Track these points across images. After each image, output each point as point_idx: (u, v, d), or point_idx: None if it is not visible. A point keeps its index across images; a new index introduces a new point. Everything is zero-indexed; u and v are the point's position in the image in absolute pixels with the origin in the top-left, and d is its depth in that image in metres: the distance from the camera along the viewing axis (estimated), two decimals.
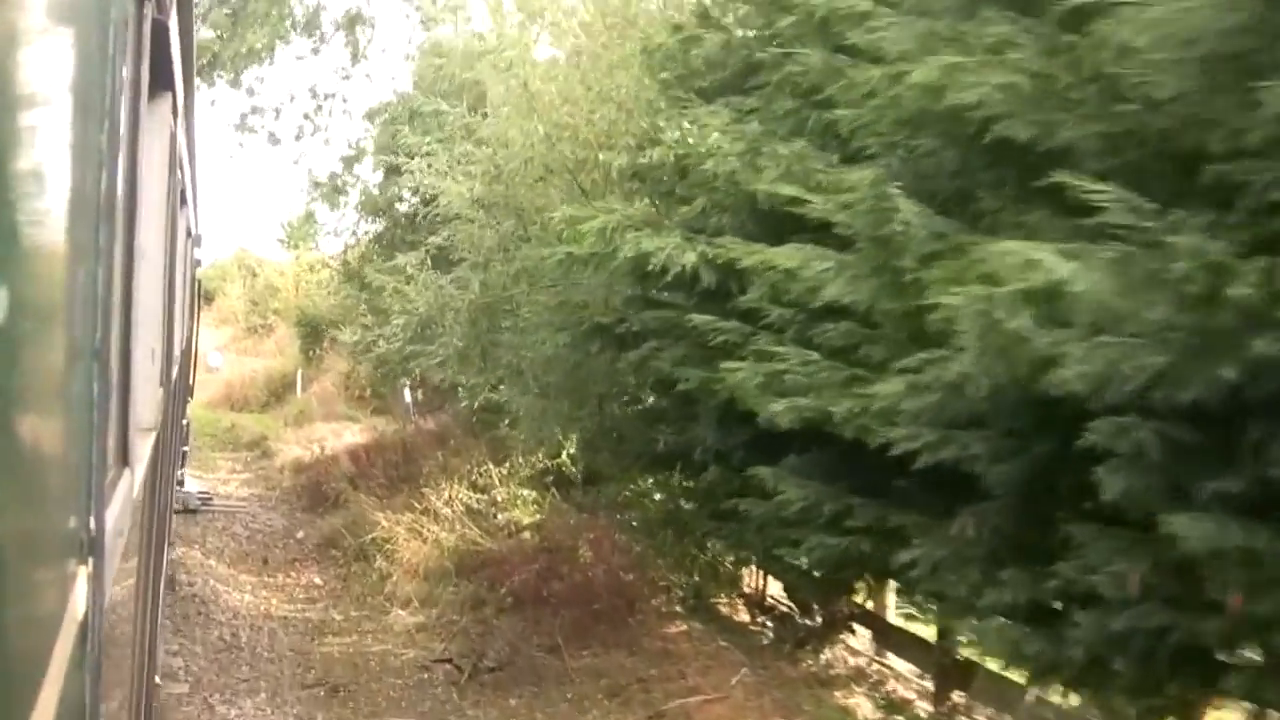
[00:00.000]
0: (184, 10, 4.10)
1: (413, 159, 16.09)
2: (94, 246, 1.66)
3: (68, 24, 1.51)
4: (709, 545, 11.91)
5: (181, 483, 15.26)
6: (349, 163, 22.19)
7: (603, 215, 9.14)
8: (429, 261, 16.48)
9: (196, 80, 5.72)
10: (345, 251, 21.80)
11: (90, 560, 1.66)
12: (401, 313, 16.60)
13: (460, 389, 15.92)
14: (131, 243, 2.43)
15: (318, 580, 14.90)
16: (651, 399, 11.56)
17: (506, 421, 15.02)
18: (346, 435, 22.08)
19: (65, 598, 1.50)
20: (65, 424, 1.55)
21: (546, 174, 11.93)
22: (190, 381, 15.81)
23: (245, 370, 34.02)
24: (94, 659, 1.65)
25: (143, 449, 3.11)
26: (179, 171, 4.79)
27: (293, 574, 15.24)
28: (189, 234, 8.45)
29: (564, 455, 14.76)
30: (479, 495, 15.10)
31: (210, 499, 18.52)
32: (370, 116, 22.74)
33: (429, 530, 14.19)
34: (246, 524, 17.78)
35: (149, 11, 2.53)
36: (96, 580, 1.68)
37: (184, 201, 6.06)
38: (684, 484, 11.82)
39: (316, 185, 23.41)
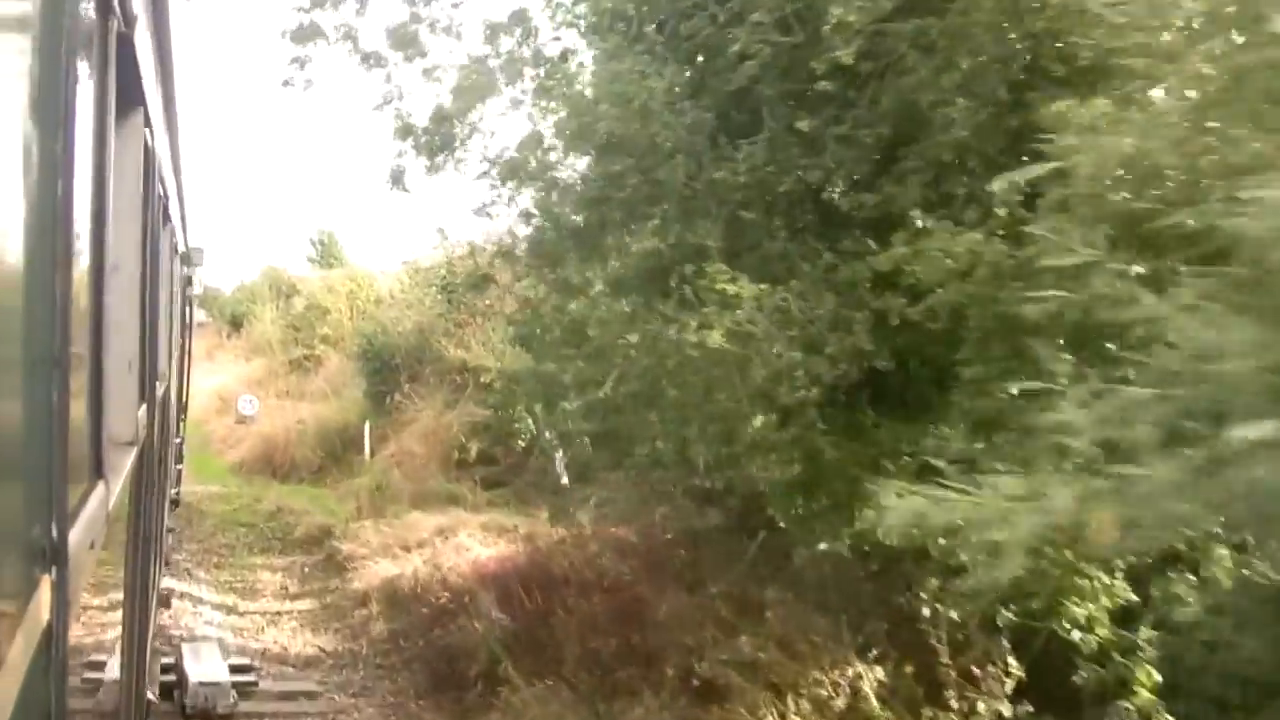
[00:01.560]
0: (159, 25, 4.12)
1: None
2: (51, 255, 1.67)
3: (25, 37, 1.52)
4: None
5: (176, 502, 15.19)
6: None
7: None
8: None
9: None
10: (471, 253, 15.97)
11: (53, 569, 1.67)
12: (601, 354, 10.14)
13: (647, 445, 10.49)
14: (101, 254, 2.44)
15: None
16: None
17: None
18: (463, 535, 14.81)
19: (25, 605, 1.51)
20: (24, 432, 1.56)
21: None
22: (183, 399, 15.79)
23: (289, 421, 25.36)
24: (59, 664, 1.66)
25: (120, 462, 3.12)
26: (158, 185, 4.80)
27: None
28: (175, 250, 8.45)
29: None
30: None
31: (253, 679, 10.96)
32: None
33: None
34: None
35: (114, 26, 2.54)
36: (60, 589, 1.69)
37: (167, 215, 6.06)
38: None
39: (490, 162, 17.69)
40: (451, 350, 21.99)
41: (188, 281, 14.65)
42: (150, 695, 6.86)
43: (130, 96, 3.16)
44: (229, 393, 30.40)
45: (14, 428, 1.50)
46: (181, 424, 15.38)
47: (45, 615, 1.61)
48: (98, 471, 2.48)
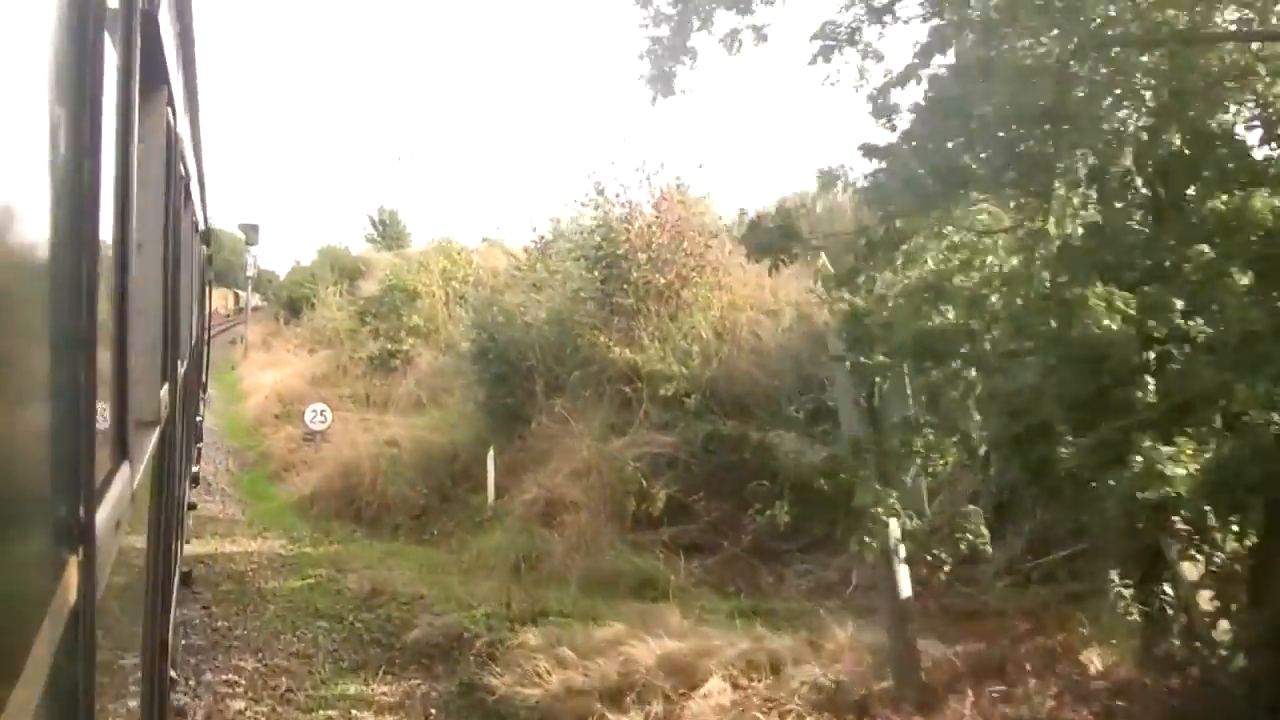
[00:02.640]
0: (182, 5, 4.11)
1: None
2: (78, 235, 1.66)
3: (51, 15, 1.51)
4: None
5: (196, 479, 15.30)
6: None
7: None
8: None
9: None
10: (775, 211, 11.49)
11: (80, 549, 1.67)
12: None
13: None
14: (125, 233, 2.43)
15: None
16: None
17: None
18: (714, 683, 8.60)
19: (54, 585, 1.51)
20: (52, 413, 1.56)
21: None
22: (203, 379, 15.94)
23: (375, 441, 19.03)
24: (86, 645, 1.66)
25: (143, 442, 3.12)
26: (180, 165, 4.80)
27: None
28: (196, 229, 8.46)
29: None
30: None
31: None
32: None
33: None
34: None
35: (139, 4, 2.53)
36: (88, 569, 1.69)
37: (188, 196, 6.07)
38: None
39: None
40: (615, 349, 15.65)
41: (207, 261, 14.72)
42: (172, 674, 6.91)
43: (154, 76, 3.15)
44: (289, 391, 25.81)
45: (42, 408, 1.49)
46: (202, 402, 15.49)
47: (72, 596, 1.61)
48: (122, 451, 2.49)
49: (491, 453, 15.43)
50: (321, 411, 20.59)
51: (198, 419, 13.66)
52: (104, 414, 2.09)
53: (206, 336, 16.69)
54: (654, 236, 16.80)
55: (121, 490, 2.32)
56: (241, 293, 72.68)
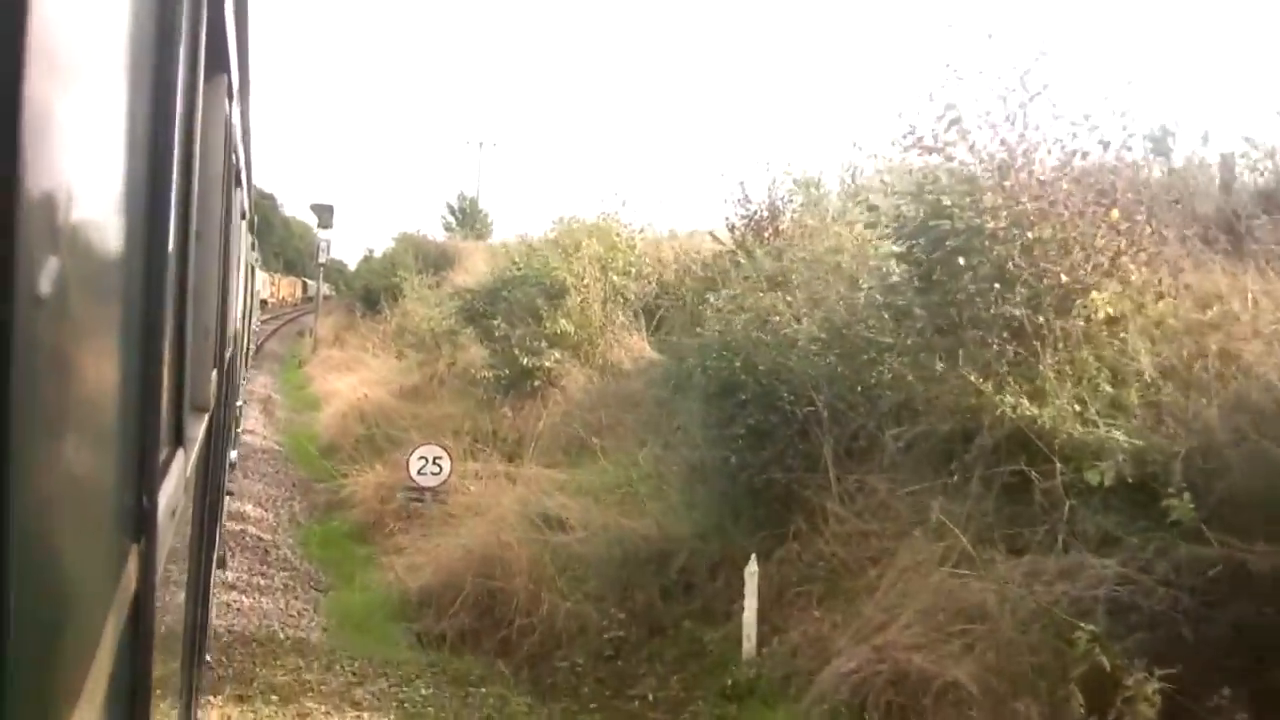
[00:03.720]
0: None
1: None
2: (149, 225, 1.66)
3: (124, 1, 1.50)
4: None
5: (233, 464, 15.44)
6: None
7: None
8: None
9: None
10: None
11: (142, 539, 1.67)
12: None
13: None
14: (187, 223, 2.44)
15: None
16: None
17: None
18: None
19: (117, 575, 1.50)
20: (120, 402, 1.55)
21: None
22: (246, 363, 16.09)
23: (525, 515, 12.14)
24: (145, 635, 1.66)
25: (196, 429, 3.14)
26: (234, 154, 4.83)
27: None
28: (243, 215, 8.53)
29: None
30: None
31: None
32: None
33: None
34: None
35: None
36: (148, 558, 1.69)
37: (238, 183, 6.11)
38: None
39: None
40: (987, 396, 8.52)
41: (252, 246, 14.90)
42: (208, 657, 6.97)
43: (217, 64, 3.16)
44: (373, 406, 19.83)
45: (108, 397, 1.49)
46: (242, 387, 15.65)
47: (134, 585, 1.60)
48: (177, 439, 2.49)
49: (754, 567, 9.14)
50: (435, 460, 13.50)
51: (239, 403, 13.80)
52: (164, 401, 2.09)
53: (250, 320, 16.78)
54: (1061, 201, 9.09)
55: (178, 478, 2.33)
56: (310, 281, 70.64)
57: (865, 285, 10.96)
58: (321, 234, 39.16)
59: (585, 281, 18.06)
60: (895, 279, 10.21)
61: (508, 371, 17.69)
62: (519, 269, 19.70)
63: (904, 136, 9.93)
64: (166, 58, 1.76)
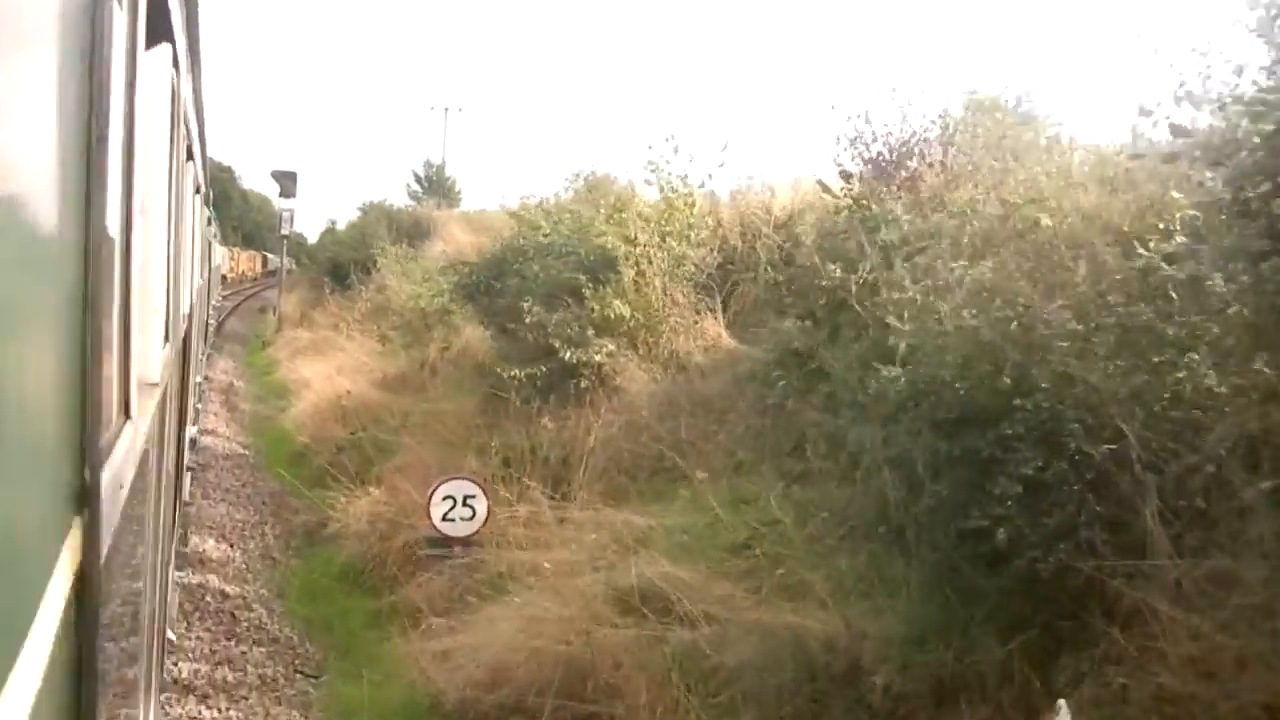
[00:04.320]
0: None
1: None
2: (87, 201, 1.64)
3: None
4: None
5: (194, 442, 15.27)
6: None
7: None
8: None
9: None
10: None
11: (85, 511, 1.66)
12: None
13: None
14: (129, 194, 2.41)
15: None
16: None
17: None
18: None
19: (58, 547, 1.50)
20: (59, 377, 1.54)
21: None
22: (206, 340, 15.94)
23: (612, 590, 8.00)
24: (90, 611, 1.65)
25: (146, 403, 3.11)
26: (183, 125, 4.76)
27: None
28: (197, 190, 8.43)
29: None
30: None
31: None
32: None
33: None
34: None
35: None
36: (92, 531, 1.68)
37: (190, 156, 6.03)
38: None
39: None
40: None
41: (209, 221, 14.70)
42: (170, 635, 6.94)
43: (159, 33, 3.11)
44: (355, 401, 16.43)
45: (47, 368, 1.48)
46: (202, 363, 15.51)
47: (77, 558, 1.60)
48: (125, 412, 2.47)
49: (1067, 716, 5.24)
50: (466, 500, 9.96)
51: (197, 379, 13.69)
52: (109, 374, 2.07)
53: (209, 296, 16.59)
54: None
55: (126, 451, 2.31)
56: (271, 255, 67.84)
57: (1149, 251, 6.87)
58: (284, 203, 34.97)
59: (641, 249, 13.84)
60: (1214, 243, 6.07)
61: (544, 369, 13.45)
62: (545, 235, 15.97)
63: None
64: (101, 26, 1.73)
